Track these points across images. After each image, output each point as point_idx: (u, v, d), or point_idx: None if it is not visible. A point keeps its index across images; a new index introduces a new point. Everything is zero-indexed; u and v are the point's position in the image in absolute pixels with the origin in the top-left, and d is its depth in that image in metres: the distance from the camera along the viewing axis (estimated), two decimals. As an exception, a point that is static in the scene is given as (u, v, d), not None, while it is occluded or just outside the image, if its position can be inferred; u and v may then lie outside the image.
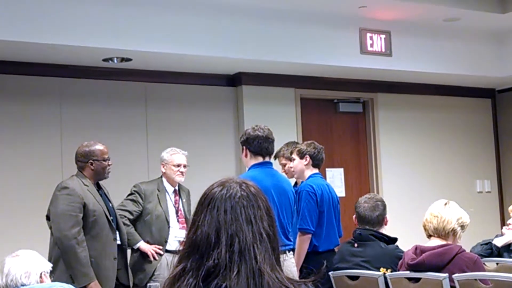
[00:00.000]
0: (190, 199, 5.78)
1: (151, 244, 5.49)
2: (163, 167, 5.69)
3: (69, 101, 6.54)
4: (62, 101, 6.51)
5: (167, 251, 5.52)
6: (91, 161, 4.99)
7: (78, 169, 5.05)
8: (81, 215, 4.81)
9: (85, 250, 4.76)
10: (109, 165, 5.07)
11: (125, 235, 5.21)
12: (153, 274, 5.47)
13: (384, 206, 4.79)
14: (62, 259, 4.76)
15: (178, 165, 5.67)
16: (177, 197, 5.71)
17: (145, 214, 5.55)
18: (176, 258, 1.81)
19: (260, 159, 4.73)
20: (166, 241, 5.52)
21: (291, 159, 5.55)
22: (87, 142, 5.11)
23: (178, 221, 5.62)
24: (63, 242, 4.73)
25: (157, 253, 5.46)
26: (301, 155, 5.39)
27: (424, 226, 4.07)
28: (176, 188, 5.73)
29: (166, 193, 5.66)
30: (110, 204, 5.12)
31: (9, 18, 5.60)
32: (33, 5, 5.69)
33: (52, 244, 4.87)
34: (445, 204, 4.05)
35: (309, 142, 5.54)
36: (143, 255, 5.47)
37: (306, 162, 5.37)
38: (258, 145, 4.70)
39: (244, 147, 4.75)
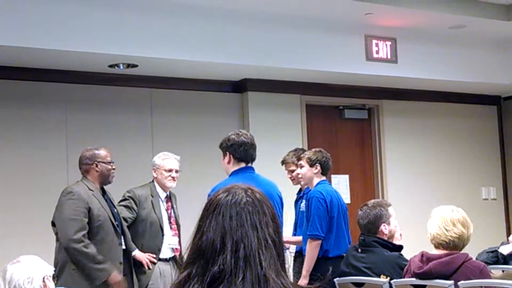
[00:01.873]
0: (177, 204, 5.70)
1: (144, 252, 5.34)
2: (155, 172, 5.54)
3: (75, 107, 6.56)
4: (67, 106, 6.53)
5: (160, 259, 5.39)
6: (96, 162, 5.00)
7: (83, 173, 5.05)
8: (86, 219, 4.81)
9: (93, 249, 4.76)
10: (113, 169, 5.08)
11: (130, 240, 5.20)
12: (147, 284, 5.34)
13: (378, 216, 4.66)
14: (73, 263, 4.75)
15: (170, 170, 5.51)
16: (169, 203, 5.59)
17: (139, 221, 5.39)
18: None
19: (242, 165, 4.64)
20: (159, 249, 5.40)
21: (297, 165, 5.53)
22: (90, 147, 5.12)
23: (170, 228, 5.50)
24: (70, 247, 4.73)
25: (151, 261, 5.33)
26: (311, 163, 5.36)
27: (436, 239, 3.93)
28: (168, 193, 5.60)
29: (160, 200, 5.53)
30: (115, 210, 5.11)
31: (15, 24, 5.62)
32: (38, 11, 5.71)
33: (58, 249, 4.87)
34: (463, 218, 3.95)
35: (317, 149, 5.49)
36: (137, 264, 5.31)
37: (316, 171, 5.36)
38: (244, 152, 4.61)
39: (228, 153, 4.65)
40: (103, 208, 4.93)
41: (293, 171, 5.79)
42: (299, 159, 5.50)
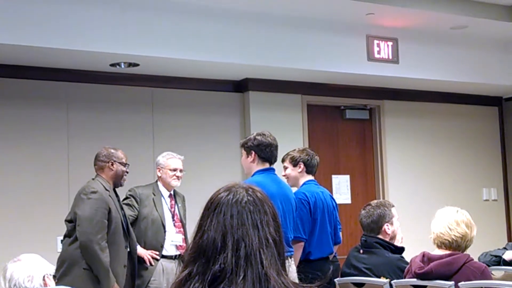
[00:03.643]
0: (185, 205, 5.73)
1: (146, 249, 5.39)
2: (159, 171, 5.63)
3: (76, 105, 6.56)
4: (69, 105, 6.53)
5: (163, 256, 5.44)
6: (112, 161, 5.03)
7: (97, 170, 5.07)
8: (106, 221, 4.83)
9: (107, 256, 4.79)
10: (127, 171, 5.10)
11: (135, 242, 5.20)
12: (149, 281, 5.38)
13: (381, 215, 4.67)
14: (86, 262, 4.78)
15: (175, 170, 5.59)
16: (173, 201, 5.63)
17: (140, 219, 5.45)
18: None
19: (266, 165, 4.79)
20: (162, 246, 5.44)
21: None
22: (108, 146, 5.20)
23: (174, 225, 5.53)
24: (87, 247, 4.75)
25: (153, 258, 5.37)
26: (295, 163, 5.30)
27: (439, 238, 3.93)
28: (172, 192, 5.66)
29: (162, 197, 5.58)
30: (123, 212, 5.12)
31: (16, 23, 5.61)
32: (40, 9, 5.71)
33: (67, 246, 4.86)
34: (466, 220, 3.96)
35: (301, 148, 5.44)
36: (139, 260, 5.34)
37: (300, 170, 5.31)
38: (270, 152, 4.78)
39: (253, 152, 4.78)
40: (117, 211, 4.95)
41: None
42: (283, 160, 5.44)
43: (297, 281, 4.65)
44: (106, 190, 4.93)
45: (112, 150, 5.12)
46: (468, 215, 4.00)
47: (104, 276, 4.77)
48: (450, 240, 3.90)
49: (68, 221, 4.93)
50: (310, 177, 5.36)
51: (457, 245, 3.92)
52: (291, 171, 5.34)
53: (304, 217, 5.11)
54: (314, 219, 5.17)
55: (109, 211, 4.85)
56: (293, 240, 5.06)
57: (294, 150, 5.46)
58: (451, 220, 3.93)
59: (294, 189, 5.51)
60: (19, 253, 3.48)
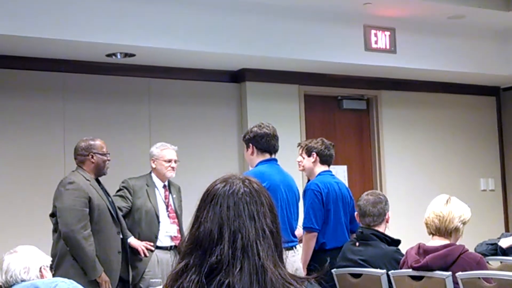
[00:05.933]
0: (181, 195, 5.72)
1: (141, 240, 5.37)
2: (153, 162, 5.56)
3: (72, 96, 6.54)
4: (65, 96, 6.51)
5: (157, 247, 5.42)
6: (91, 153, 4.99)
7: (78, 164, 5.04)
8: (87, 209, 4.81)
9: (92, 244, 4.77)
10: (108, 160, 5.06)
11: (126, 228, 5.20)
12: (144, 272, 5.36)
13: (386, 202, 4.71)
14: (70, 254, 4.76)
15: (169, 161, 5.54)
16: (167, 192, 5.60)
17: (134, 210, 5.42)
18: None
19: (267, 156, 4.81)
20: (156, 237, 5.42)
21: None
22: (86, 137, 5.11)
23: (168, 216, 5.51)
24: (70, 237, 4.73)
25: (147, 249, 5.35)
26: (309, 153, 5.32)
27: (426, 224, 4.01)
28: (166, 183, 5.62)
29: (156, 189, 5.55)
30: (110, 199, 5.11)
31: (12, 13, 5.59)
32: (35, 0, 5.68)
33: (56, 240, 4.86)
34: (447, 201, 3.98)
35: (317, 139, 5.45)
36: (133, 252, 5.32)
37: (313, 160, 5.31)
38: (267, 143, 4.78)
39: (251, 145, 4.80)
40: (101, 198, 4.93)
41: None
42: (299, 150, 5.43)
43: (301, 270, 4.69)
44: (87, 180, 4.91)
45: (91, 142, 5.04)
46: (453, 199, 4.02)
47: (89, 265, 4.76)
48: (435, 227, 3.93)
49: (51, 215, 4.93)
50: (325, 168, 5.34)
51: (440, 231, 3.94)
52: (306, 161, 5.33)
53: (316, 207, 5.12)
54: (327, 210, 5.16)
55: (90, 200, 4.83)
56: (305, 230, 5.09)
57: (311, 141, 5.45)
58: (433, 207, 3.97)
59: (296, 182, 5.50)
60: (16, 245, 3.48)
